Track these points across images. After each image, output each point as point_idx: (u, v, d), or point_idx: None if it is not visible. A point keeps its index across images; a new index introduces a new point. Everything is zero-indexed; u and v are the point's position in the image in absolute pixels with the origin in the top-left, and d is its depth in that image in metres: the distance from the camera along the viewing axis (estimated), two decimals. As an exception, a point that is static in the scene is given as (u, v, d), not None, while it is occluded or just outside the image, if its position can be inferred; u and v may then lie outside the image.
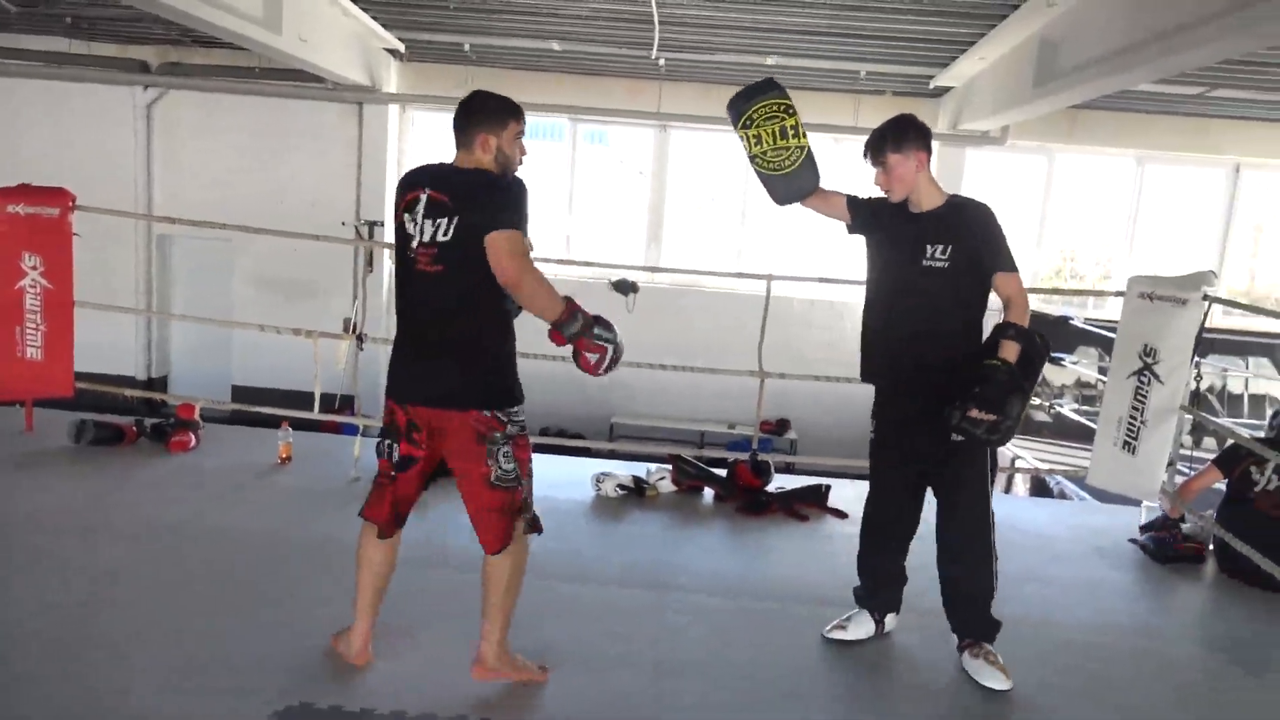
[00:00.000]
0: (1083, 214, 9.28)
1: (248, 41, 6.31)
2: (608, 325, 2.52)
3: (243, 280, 9.31)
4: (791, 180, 3.03)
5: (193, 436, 4.72)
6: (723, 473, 4.63)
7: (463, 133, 2.52)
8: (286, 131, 8.93)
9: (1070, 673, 3.06)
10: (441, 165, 2.56)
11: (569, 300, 2.46)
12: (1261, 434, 4.56)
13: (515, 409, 2.55)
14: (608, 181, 9.39)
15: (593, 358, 2.49)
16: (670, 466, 4.63)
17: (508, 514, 2.55)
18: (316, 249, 8.60)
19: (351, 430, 5.05)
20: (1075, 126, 8.64)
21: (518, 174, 2.56)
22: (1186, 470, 4.62)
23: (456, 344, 2.46)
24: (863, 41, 7.22)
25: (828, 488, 4.60)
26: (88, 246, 8.28)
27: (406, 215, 2.47)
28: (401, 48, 8.31)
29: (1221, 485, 4.18)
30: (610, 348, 2.49)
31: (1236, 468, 4.05)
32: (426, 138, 9.36)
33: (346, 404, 8.81)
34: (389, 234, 9.02)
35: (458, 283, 2.41)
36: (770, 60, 7.73)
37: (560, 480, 4.65)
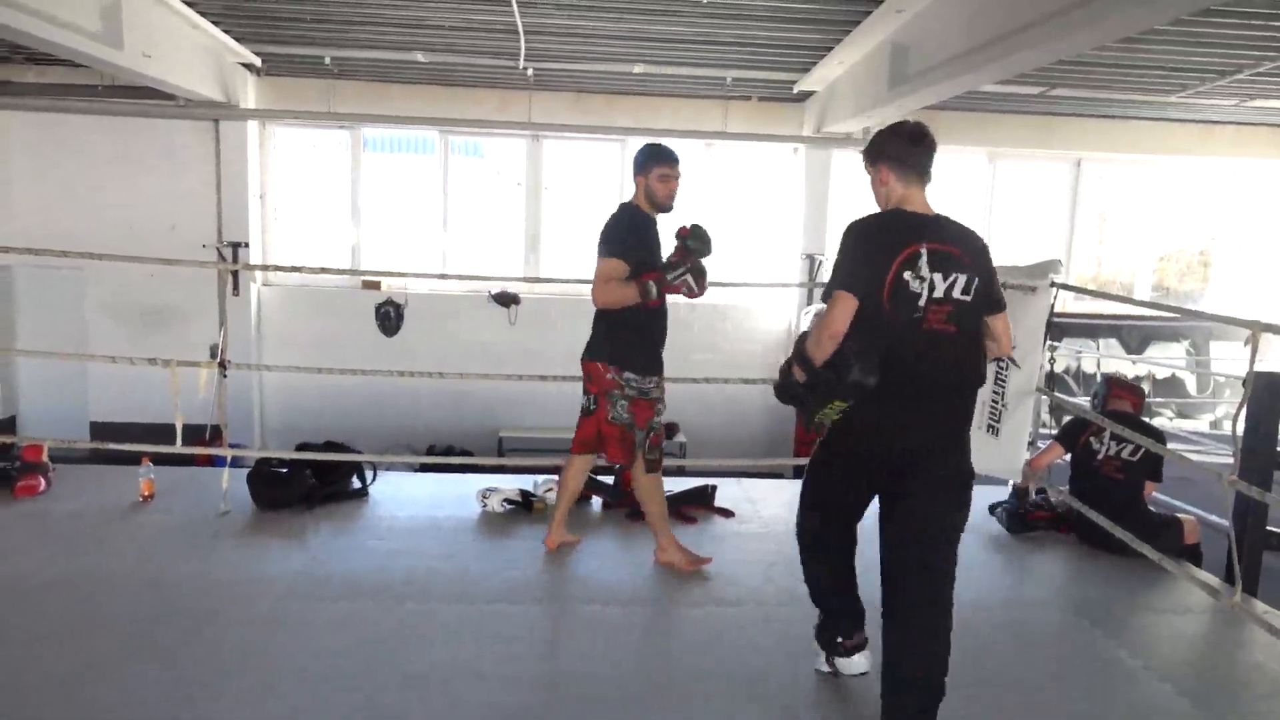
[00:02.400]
0: (944, 210, 9.70)
1: (85, 58, 5.95)
2: (672, 265, 3.56)
3: (97, 310, 8.76)
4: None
5: (42, 480, 4.41)
6: (610, 480, 4.62)
7: None
8: (137, 152, 8.44)
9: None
10: None
11: (637, 281, 3.48)
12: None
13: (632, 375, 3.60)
14: (485, 194, 9.28)
15: (684, 292, 3.60)
16: (557, 478, 4.59)
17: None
18: (177, 274, 8.19)
19: (220, 462, 4.82)
20: (932, 126, 9.00)
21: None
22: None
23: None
24: (726, 48, 7.36)
25: (713, 488, 4.65)
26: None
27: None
28: (258, 62, 7.99)
29: (1067, 460, 4.46)
30: (686, 278, 3.58)
31: (1078, 441, 4.33)
32: (289, 155, 9.04)
33: (216, 435, 8.44)
34: (254, 256, 8.70)
35: None
36: (638, 68, 7.79)
37: (445, 499, 4.56)
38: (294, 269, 5.95)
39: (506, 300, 9.04)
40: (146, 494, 4.32)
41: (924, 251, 2.46)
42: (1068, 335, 9.27)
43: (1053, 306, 4.16)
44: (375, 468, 4.71)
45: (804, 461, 6.53)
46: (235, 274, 8.54)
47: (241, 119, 8.33)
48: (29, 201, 8.54)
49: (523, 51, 7.19)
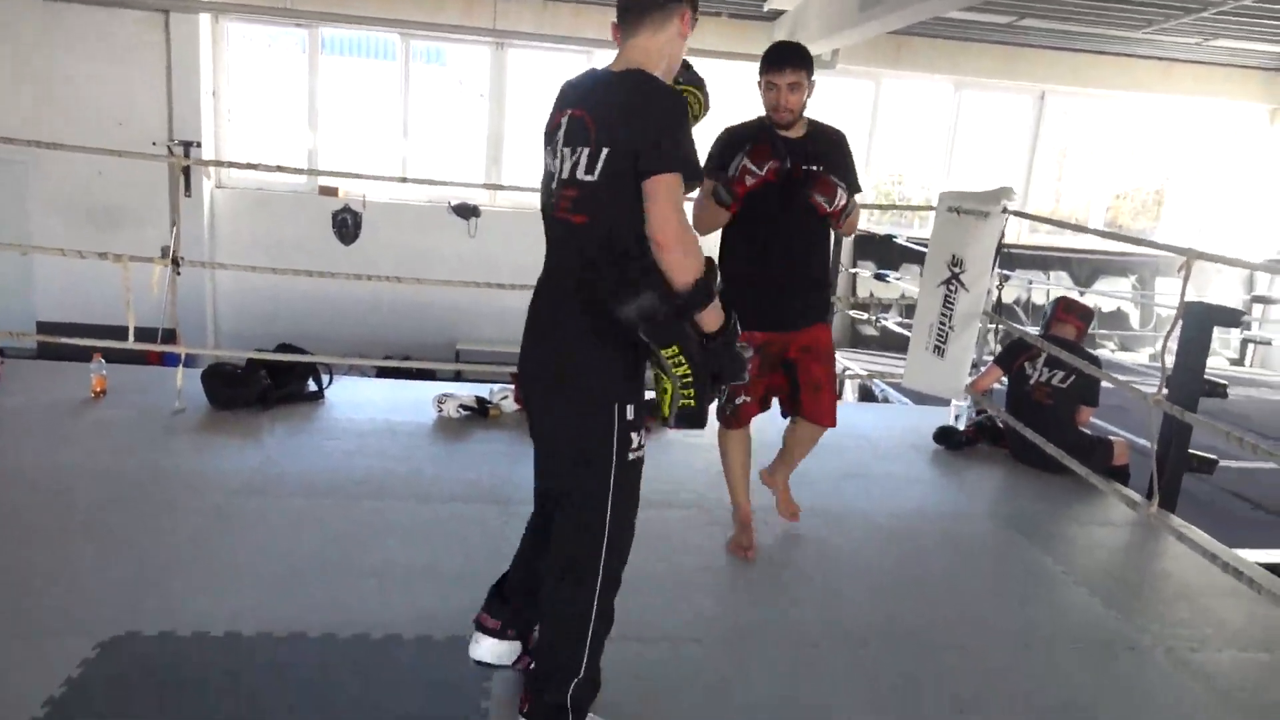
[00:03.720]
0: (908, 138, 9.74)
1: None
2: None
3: (43, 207, 8.51)
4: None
5: (-11, 373, 4.37)
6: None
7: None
8: (82, 41, 8.12)
9: (884, 555, 3.36)
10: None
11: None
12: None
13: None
14: (447, 102, 9.08)
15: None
16: (513, 386, 4.65)
17: None
18: (128, 173, 7.97)
19: (173, 360, 4.79)
20: (900, 53, 9.00)
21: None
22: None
23: None
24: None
25: (666, 399, 4.74)
26: None
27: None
28: (212, -48, 7.70)
29: (1005, 382, 4.64)
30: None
31: (1014, 364, 4.51)
32: (243, 52, 8.75)
33: (170, 338, 8.34)
34: (206, 156, 8.47)
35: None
36: (606, -23, 7.63)
37: (402, 404, 4.60)
38: (249, 166, 5.83)
39: (466, 212, 8.96)
40: (98, 390, 4.30)
41: (563, 122, 1.97)
42: (1020, 266, 9.45)
43: (1003, 233, 4.25)
44: (331, 371, 4.72)
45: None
46: (187, 173, 8.32)
47: (192, 11, 8.02)
48: (-32, 89, 8.20)
49: (486, -47, 7.01)
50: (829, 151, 3.02)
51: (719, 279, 1.92)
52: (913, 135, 9.72)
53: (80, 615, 2.50)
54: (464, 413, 4.44)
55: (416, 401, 4.59)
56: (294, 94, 8.84)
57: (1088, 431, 4.48)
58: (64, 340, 4.38)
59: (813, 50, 8.06)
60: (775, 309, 3.02)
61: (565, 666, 2.02)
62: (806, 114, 3.02)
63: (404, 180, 8.37)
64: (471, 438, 4.24)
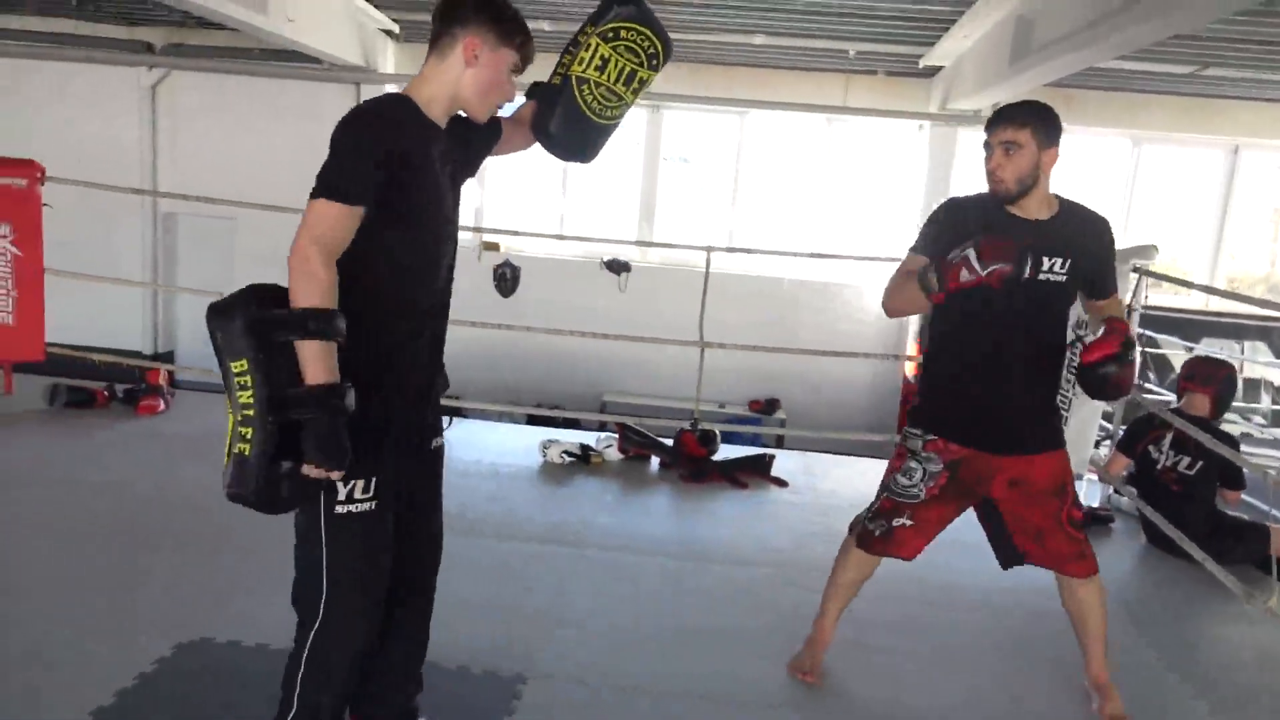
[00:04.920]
0: (1082, 195, 9.19)
1: (234, 21, 6.47)
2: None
3: (244, 257, 9.51)
4: (593, 136, 2.20)
5: (161, 401, 4.91)
6: (669, 441, 4.73)
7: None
8: (285, 111, 9.10)
9: (977, 629, 3.15)
10: None
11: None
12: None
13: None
14: (605, 162, 9.48)
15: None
16: (618, 435, 4.74)
17: None
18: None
19: None
20: (1071, 107, 8.54)
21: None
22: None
23: None
24: (847, 20, 7.22)
25: (771, 458, 4.67)
26: (95, 224, 8.61)
27: None
28: (396, 28, 8.45)
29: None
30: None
31: (1138, 447, 4.07)
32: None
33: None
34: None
35: None
36: (758, 39, 7.75)
37: (514, 448, 4.78)
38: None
39: (618, 268, 9.23)
40: (246, 420, 4.74)
41: None
42: (1208, 335, 8.63)
43: (1134, 295, 3.95)
44: (453, 414, 4.98)
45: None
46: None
47: (378, 82, 8.81)
48: (191, 154, 9.34)
49: (639, 21, 7.30)
50: (1083, 241, 2.40)
51: (338, 325, 1.69)
52: (1086, 194, 9.16)
53: (171, 618, 2.76)
54: (568, 459, 4.55)
55: (527, 447, 4.76)
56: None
57: (1239, 515, 4.02)
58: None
59: (969, 106, 7.93)
60: (985, 421, 2.43)
61: (280, 702, 1.94)
62: (1059, 192, 2.45)
63: (560, 237, 8.77)
64: (569, 483, 4.34)
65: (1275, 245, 10.73)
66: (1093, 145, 8.97)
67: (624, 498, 4.20)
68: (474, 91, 1.87)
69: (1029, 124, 2.31)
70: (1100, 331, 2.35)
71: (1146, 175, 9.02)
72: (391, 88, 9.08)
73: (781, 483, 4.54)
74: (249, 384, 1.65)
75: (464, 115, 1.97)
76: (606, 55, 2.11)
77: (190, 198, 6.53)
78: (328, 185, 1.72)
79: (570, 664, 2.74)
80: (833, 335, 8.82)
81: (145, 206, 9.30)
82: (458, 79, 1.86)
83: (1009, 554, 2.57)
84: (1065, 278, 2.35)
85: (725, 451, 4.76)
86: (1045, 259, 2.30)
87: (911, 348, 8.57)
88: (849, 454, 5.81)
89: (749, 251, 7.74)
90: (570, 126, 2.14)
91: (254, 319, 1.66)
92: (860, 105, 8.60)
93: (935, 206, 2.55)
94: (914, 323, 8.60)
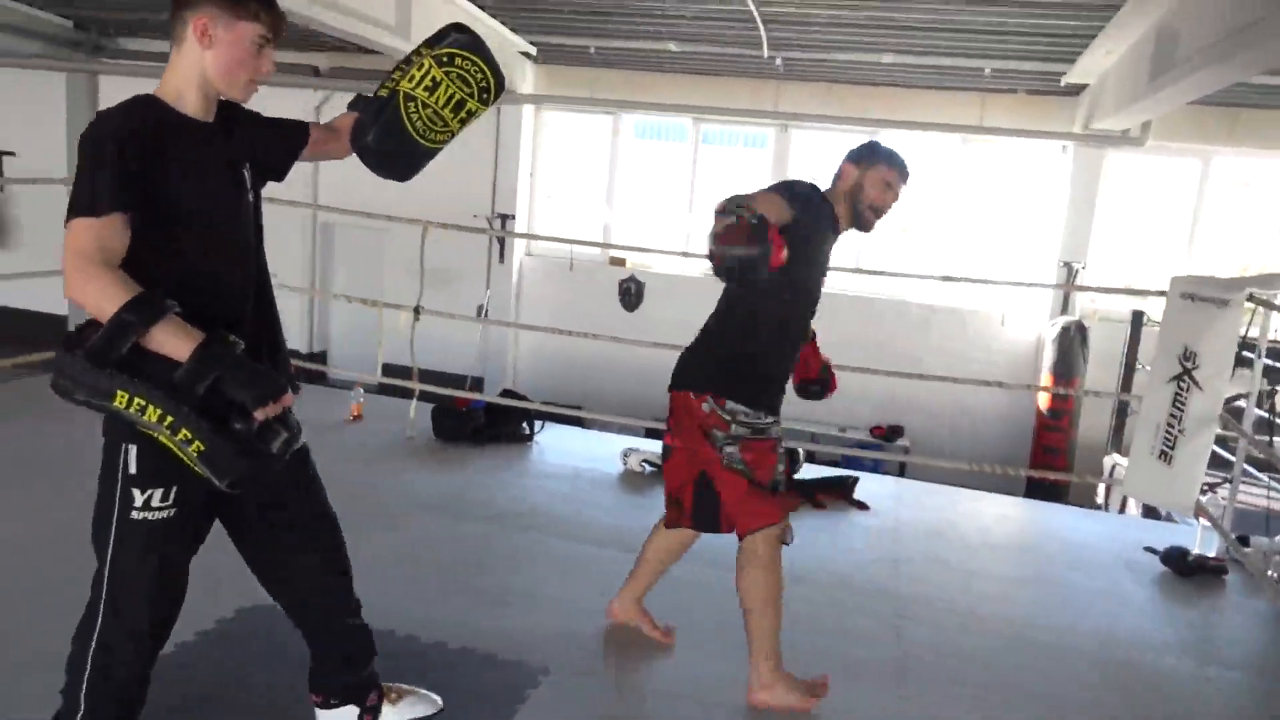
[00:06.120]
0: (1249, 225, 8.49)
1: (381, 47, 6.96)
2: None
3: (391, 265, 10.14)
4: (413, 156, 2.19)
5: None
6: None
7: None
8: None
9: (1040, 676, 3.00)
10: None
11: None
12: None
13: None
14: (733, 182, 9.53)
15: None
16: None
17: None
18: (456, 240, 9.26)
19: (477, 404, 5.37)
20: (1236, 127, 7.94)
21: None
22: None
23: None
24: (981, 37, 7.00)
25: (855, 480, 4.58)
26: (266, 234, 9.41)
27: None
28: (534, 51, 8.83)
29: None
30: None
31: None
32: (558, 137, 9.86)
33: (477, 385, 9.47)
34: (519, 225, 9.62)
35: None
36: (887, 58, 7.63)
37: (600, 454, 4.89)
38: (553, 239, 6.62)
39: (741, 286, 9.25)
40: (355, 414, 5.08)
41: None
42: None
43: (1249, 325, 3.65)
44: (544, 419, 5.16)
45: (1037, 475, 6.05)
46: (502, 242, 9.51)
47: (517, 102, 9.23)
48: (347, 170, 10.03)
49: (764, 40, 7.33)
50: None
51: (156, 303, 1.62)
52: (1256, 222, 8.45)
53: (243, 583, 3.01)
54: (648, 468, 4.62)
55: (612, 454, 4.86)
56: (597, 173, 9.77)
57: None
58: (393, 380, 5.23)
59: (1111, 125, 7.49)
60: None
61: (65, 700, 1.87)
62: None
63: (685, 255, 8.88)
64: (646, 491, 4.41)
65: None
66: (1261, 166, 8.28)
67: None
68: (218, 73, 1.80)
69: None
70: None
71: (1324, 201, 8.23)
72: (529, 108, 9.50)
73: (863, 506, 4.44)
74: (144, 403, 1.59)
75: (251, 113, 1.96)
76: (438, 79, 2.10)
77: (344, 211, 7.07)
78: (76, 203, 1.65)
79: (600, 662, 2.82)
80: (963, 362, 8.50)
81: (306, 219, 10.07)
82: (199, 63, 1.78)
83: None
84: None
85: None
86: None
87: (1046, 378, 8.15)
88: (975, 487, 5.59)
89: (875, 273, 7.58)
90: (390, 141, 2.11)
91: (86, 359, 1.58)
92: (998, 125, 8.28)
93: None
94: (1049, 354, 8.18)
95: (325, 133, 2.16)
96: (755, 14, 6.72)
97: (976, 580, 3.69)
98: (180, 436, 1.62)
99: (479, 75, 2.16)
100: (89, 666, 1.83)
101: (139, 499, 1.77)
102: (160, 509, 1.79)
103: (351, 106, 2.17)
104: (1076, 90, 7.95)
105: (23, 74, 10.08)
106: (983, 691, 2.84)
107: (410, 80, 2.08)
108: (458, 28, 2.15)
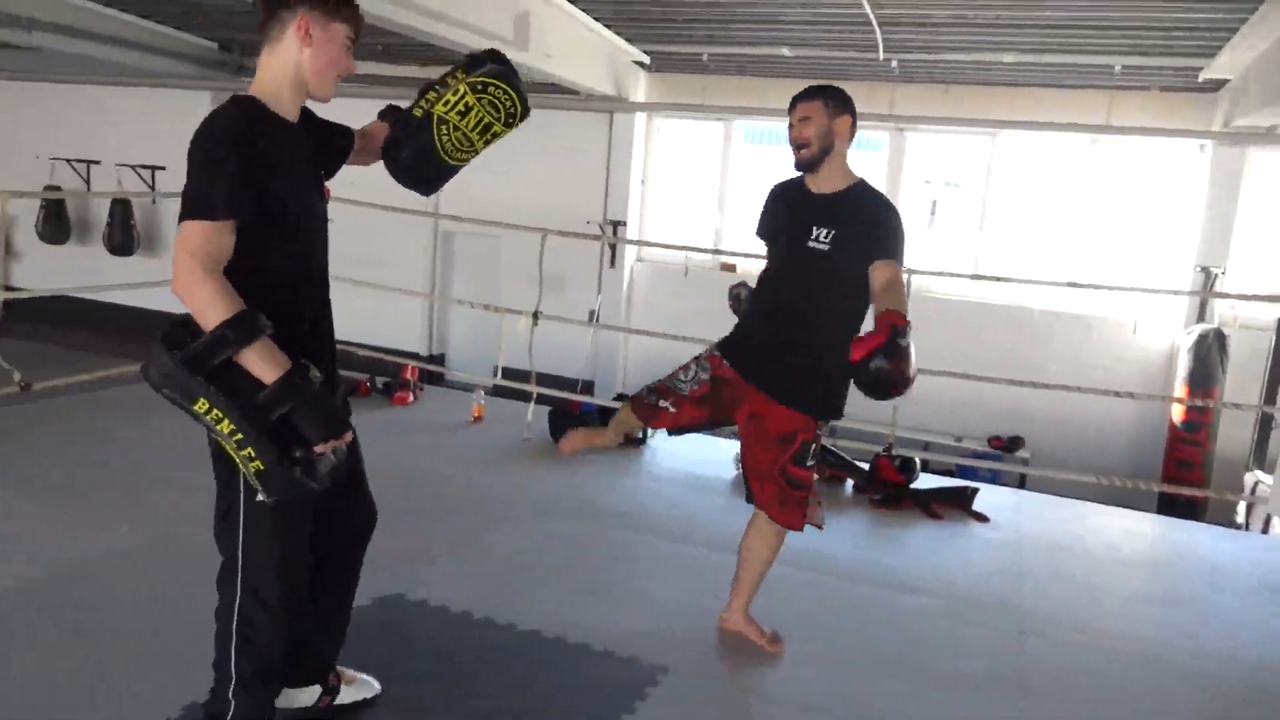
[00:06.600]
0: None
1: (500, 60, 7.19)
2: None
3: (508, 272, 10.42)
4: (440, 173, 2.32)
5: (411, 394, 5.58)
6: (865, 465, 4.67)
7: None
8: (545, 139, 9.86)
9: (1203, 711, 2.89)
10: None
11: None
12: None
13: None
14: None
15: None
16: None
17: None
18: (569, 246, 9.46)
19: (588, 407, 5.56)
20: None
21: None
22: None
23: None
24: (1109, 33, 6.73)
25: (974, 491, 4.48)
26: (386, 239, 9.81)
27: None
28: (647, 60, 8.94)
29: None
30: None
31: None
32: (670, 144, 9.94)
33: (588, 388, 9.64)
34: (630, 231, 9.73)
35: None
36: (1008, 57, 7.40)
37: (715, 460, 4.93)
38: (664, 245, 6.71)
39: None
40: (476, 416, 5.27)
41: None
42: None
43: None
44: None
45: (1171, 490, 5.82)
46: (613, 248, 9.66)
47: (630, 110, 9.36)
48: (465, 177, 10.36)
49: (880, 43, 7.23)
50: (856, 214, 2.64)
51: (256, 324, 1.73)
52: None
53: (383, 575, 3.14)
54: (760, 474, 4.63)
55: (724, 459, 4.89)
56: (708, 179, 9.80)
57: None
58: (509, 383, 5.42)
59: (1255, 122, 7.05)
60: (751, 356, 2.75)
61: (217, 674, 2.01)
62: (858, 178, 2.70)
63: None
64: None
65: None
66: None
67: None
68: (314, 71, 1.90)
69: (819, 99, 2.65)
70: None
71: None
72: (641, 116, 9.61)
73: (982, 518, 4.34)
74: (221, 415, 1.70)
75: (313, 114, 2.05)
76: (470, 104, 2.19)
77: (462, 219, 7.34)
78: (192, 204, 1.75)
79: (715, 666, 2.86)
80: (1090, 370, 8.16)
81: (428, 226, 10.46)
82: (296, 62, 1.88)
83: (747, 491, 2.87)
84: (828, 247, 2.60)
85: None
86: (814, 226, 2.63)
87: (1180, 389, 7.74)
88: (1100, 500, 5.39)
89: (997, 279, 7.39)
90: (421, 160, 2.23)
91: (182, 363, 1.68)
92: (1128, 124, 7.93)
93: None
94: (1184, 363, 7.77)
95: (362, 140, 2.26)
96: (871, 17, 6.63)
97: (1104, 597, 3.57)
98: (245, 453, 1.72)
99: (509, 102, 2.26)
100: (234, 637, 1.97)
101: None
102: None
103: (382, 116, 2.29)
104: (1214, 86, 7.53)
105: (172, 93, 10.83)
106: (1106, 710, 2.75)
107: (445, 104, 2.18)
108: (494, 56, 2.26)
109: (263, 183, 1.81)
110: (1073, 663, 3.01)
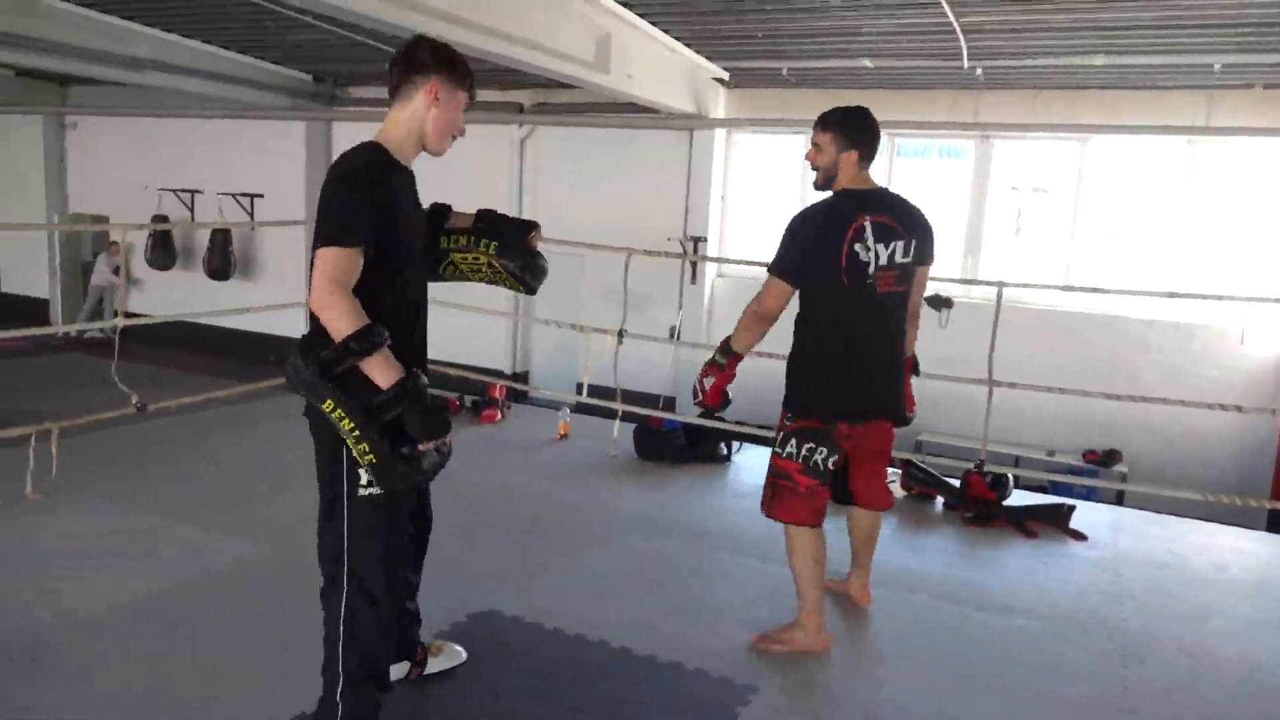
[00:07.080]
0: None
1: (580, 81, 7.31)
2: None
3: (590, 290, 10.56)
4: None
5: (499, 412, 5.70)
6: (956, 482, 4.59)
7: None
8: (626, 158, 10.00)
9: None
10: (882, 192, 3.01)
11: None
12: None
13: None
14: (929, 196, 9.25)
15: None
16: (901, 471, 4.69)
17: None
18: (650, 263, 9.54)
19: (670, 424, 5.47)
20: None
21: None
22: None
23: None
24: (1208, 31, 6.49)
25: (1071, 508, 4.36)
26: (472, 259, 10.06)
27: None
28: (726, 76, 8.97)
29: None
30: None
31: None
32: (750, 159, 9.94)
33: (669, 405, 9.67)
34: (711, 247, 9.75)
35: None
36: (1099, 60, 7.19)
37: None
38: (745, 262, 6.76)
39: (939, 304, 8.94)
40: (563, 433, 5.35)
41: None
42: None
43: None
44: (741, 439, 5.23)
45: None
46: (694, 264, 9.70)
47: (709, 127, 9.40)
48: (549, 199, 10.58)
49: (964, 51, 7.12)
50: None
51: (377, 335, 1.97)
52: None
53: (477, 590, 3.27)
54: (847, 490, 4.59)
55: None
56: (788, 193, 9.76)
57: None
58: (592, 400, 5.52)
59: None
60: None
61: (326, 677, 2.18)
62: (887, 186, 3.09)
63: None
64: (843, 513, 4.38)
65: None
66: None
67: (898, 534, 4.16)
68: (435, 129, 2.18)
69: (820, 127, 3.00)
70: None
71: None
72: (721, 132, 9.64)
73: (1080, 536, 4.22)
74: (344, 413, 1.96)
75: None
76: (482, 266, 2.58)
77: (547, 239, 7.44)
78: (328, 235, 2.01)
79: (805, 686, 2.85)
80: (1192, 381, 7.86)
81: (512, 246, 10.66)
82: (422, 120, 2.17)
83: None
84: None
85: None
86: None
87: (1291, 400, 7.37)
88: (1203, 518, 5.17)
89: (1096, 291, 7.16)
90: (430, 267, 2.54)
91: (315, 368, 1.95)
92: (1228, 124, 7.61)
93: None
94: (1294, 372, 7.41)
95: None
96: (956, 25, 6.54)
97: (1210, 618, 3.44)
98: (361, 447, 1.97)
99: (515, 286, 2.67)
100: (342, 635, 2.14)
101: (364, 478, 2.08)
102: (371, 488, 2.10)
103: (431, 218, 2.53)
104: (1326, 82, 7.19)
105: (268, 124, 11.32)
106: None
107: (461, 255, 2.55)
108: (526, 259, 2.62)
109: (388, 221, 2.08)
110: (1178, 686, 2.91)
